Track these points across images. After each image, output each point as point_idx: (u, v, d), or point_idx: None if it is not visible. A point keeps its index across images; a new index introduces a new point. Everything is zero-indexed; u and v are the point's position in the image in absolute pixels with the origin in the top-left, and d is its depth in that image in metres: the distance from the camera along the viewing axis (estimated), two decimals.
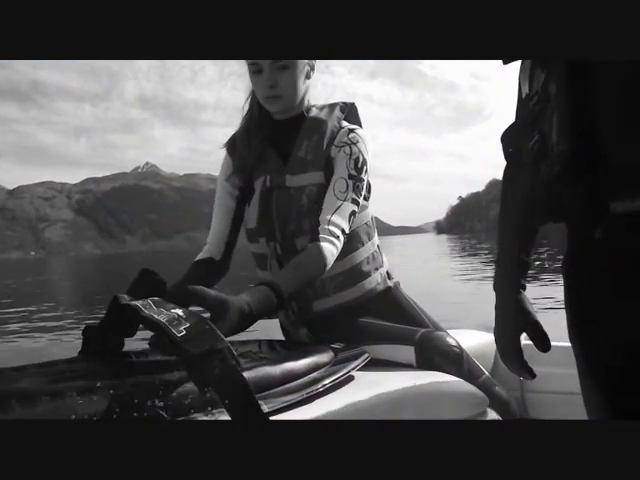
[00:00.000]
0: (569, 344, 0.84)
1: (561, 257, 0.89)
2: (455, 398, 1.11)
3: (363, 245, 1.37)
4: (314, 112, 1.37)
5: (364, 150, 1.31)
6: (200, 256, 1.39)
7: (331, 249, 1.20)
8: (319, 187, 1.29)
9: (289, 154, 1.33)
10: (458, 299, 7.95)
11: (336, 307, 1.33)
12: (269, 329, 1.57)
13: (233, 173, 1.38)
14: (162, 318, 0.80)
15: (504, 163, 0.92)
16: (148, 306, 0.84)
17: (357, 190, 1.27)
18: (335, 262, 1.23)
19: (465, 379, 1.19)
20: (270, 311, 1.03)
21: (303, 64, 1.30)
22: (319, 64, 1.37)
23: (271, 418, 0.79)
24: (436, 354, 1.21)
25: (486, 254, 21.08)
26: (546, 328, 0.87)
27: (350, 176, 1.27)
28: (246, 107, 1.39)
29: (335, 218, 1.23)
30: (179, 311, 0.81)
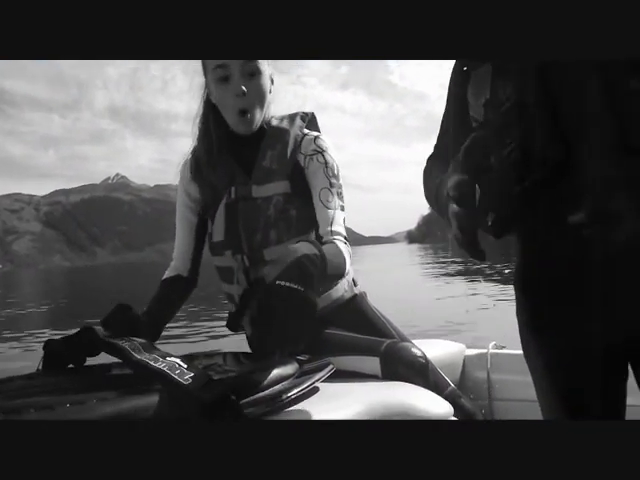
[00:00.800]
0: None
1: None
2: (420, 408, 1.11)
3: None
4: (275, 122, 1.38)
5: (334, 156, 1.34)
6: (167, 274, 1.39)
7: (348, 249, 1.22)
8: (285, 197, 1.30)
9: (253, 165, 1.34)
10: (426, 305, 8.80)
11: None
12: (235, 342, 1.56)
13: (201, 198, 1.38)
14: (161, 365, 0.84)
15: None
16: (137, 350, 0.88)
17: (340, 196, 1.31)
18: None
19: (431, 390, 1.19)
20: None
21: (268, 75, 1.31)
22: (290, 75, 1.39)
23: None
24: (401, 365, 1.22)
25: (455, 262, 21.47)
26: None
27: (331, 184, 1.30)
28: (199, 120, 1.38)
29: (335, 227, 1.25)
30: (176, 360, 0.87)
